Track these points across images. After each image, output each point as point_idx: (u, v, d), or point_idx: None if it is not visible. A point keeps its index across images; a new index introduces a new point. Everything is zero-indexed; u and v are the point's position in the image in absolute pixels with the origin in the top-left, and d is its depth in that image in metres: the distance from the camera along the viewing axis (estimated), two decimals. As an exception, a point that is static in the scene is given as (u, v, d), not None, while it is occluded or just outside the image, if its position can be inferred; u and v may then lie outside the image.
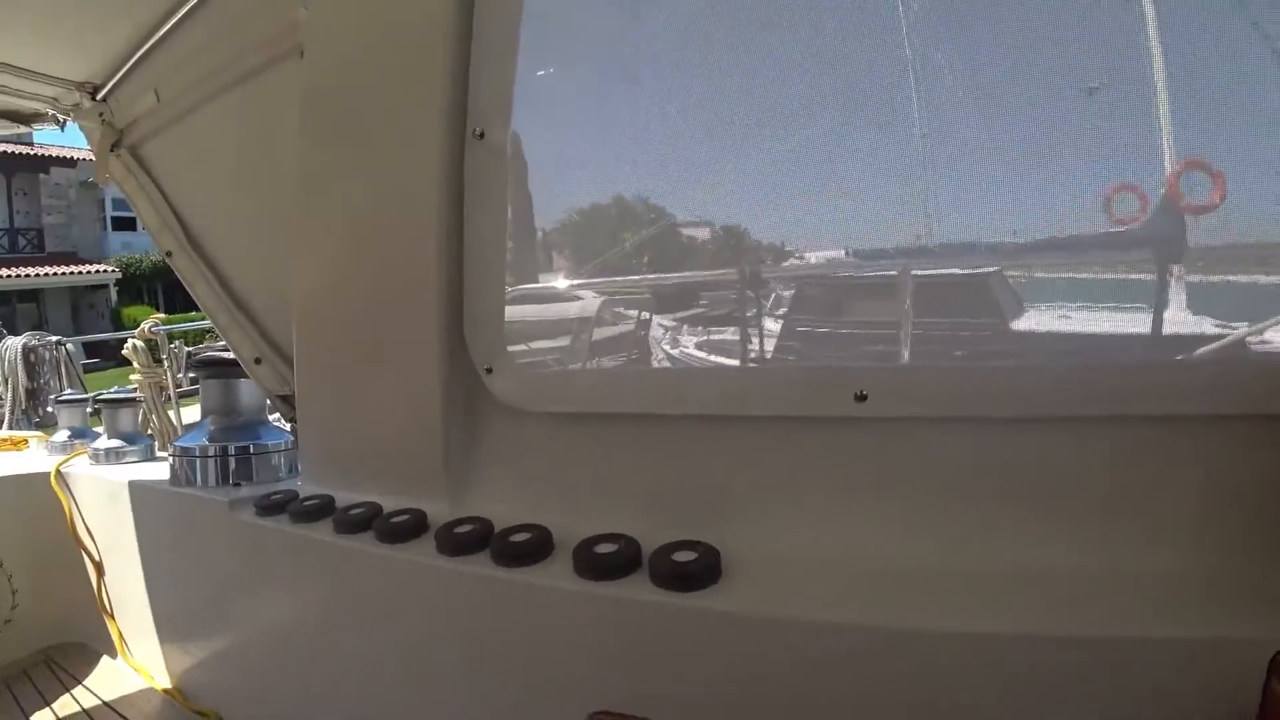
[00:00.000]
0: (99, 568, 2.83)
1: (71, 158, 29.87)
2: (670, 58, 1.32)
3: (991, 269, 1.11)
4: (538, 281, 1.61)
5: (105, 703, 2.59)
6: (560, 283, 1.58)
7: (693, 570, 1.20)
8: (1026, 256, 1.08)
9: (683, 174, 1.34)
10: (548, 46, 1.43)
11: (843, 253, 1.24)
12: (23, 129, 2.62)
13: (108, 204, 31.18)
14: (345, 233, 1.75)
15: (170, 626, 2.53)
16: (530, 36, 1.41)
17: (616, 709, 1.25)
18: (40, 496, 2.90)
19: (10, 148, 28.08)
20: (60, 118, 2.48)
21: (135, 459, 2.92)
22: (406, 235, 1.61)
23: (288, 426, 2.41)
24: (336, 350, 1.85)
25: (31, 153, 28.99)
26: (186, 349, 5.59)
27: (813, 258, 1.28)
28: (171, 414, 5.24)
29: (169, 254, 2.35)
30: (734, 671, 1.15)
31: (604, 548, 1.32)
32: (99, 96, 2.30)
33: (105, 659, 2.87)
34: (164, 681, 2.60)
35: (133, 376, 5.61)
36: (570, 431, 1.53)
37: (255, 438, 2.32)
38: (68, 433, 3.38)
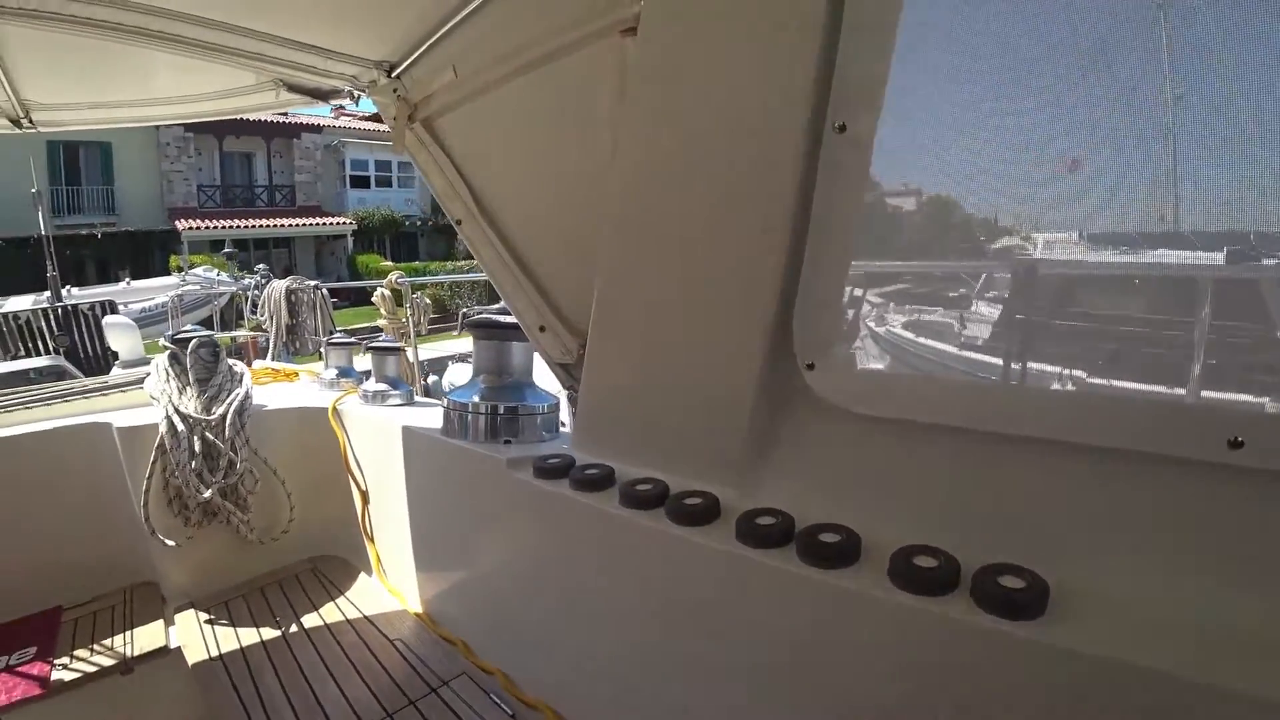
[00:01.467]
0: (364, 496, 3.14)
1: (318, 125, 33.88)
2: (1065, 63, 1.21)
3: None
4: (880, 284, 1.54)
5: (364, 615, 2.88)
6: (902, 285, 1.52)
7: (1022, 598, 1.12)
8: None
9: (1054, 182, 1.24)
10: (919, 43, 1.36)
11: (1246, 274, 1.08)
12: (319, 104, 2.89)
13: (347, 165, 34.54)
14: (669, 212, 1.74)
15: (428, 558, 2.77)
16: (907, 34, 1.34)
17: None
18: (318, 427, 3.26)
19: (269, 116, 31.90)
20: (355, 93, 2.70)
21: (398, 402, 3.21)
22: (745, 222, 1.58)
23: (554, 390, 2.54)
24: (641, 326, 1.85)
25: (286, 121, 33.07)
26: (426, 299, 6.11)
27: (1207, 275, 1.12)
28: (410, 354, 5.77)
29: (458, 221, 2.46)
30: (1054, 709, 1.07)
31: (923, 560, 1.25)
32: (394, 73, 2.46)
33: (363, 576, 3.19)
34: (415, 605, 2.86)
35: (379, 321, 6.19)
36: (889, 436, 1.45)
37: (522, 399, 2.46)
38: (335, 371, 3.76)
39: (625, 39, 1.72)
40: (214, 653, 2.69)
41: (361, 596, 3.02)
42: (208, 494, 2.90)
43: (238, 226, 30.01)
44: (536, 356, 2.50)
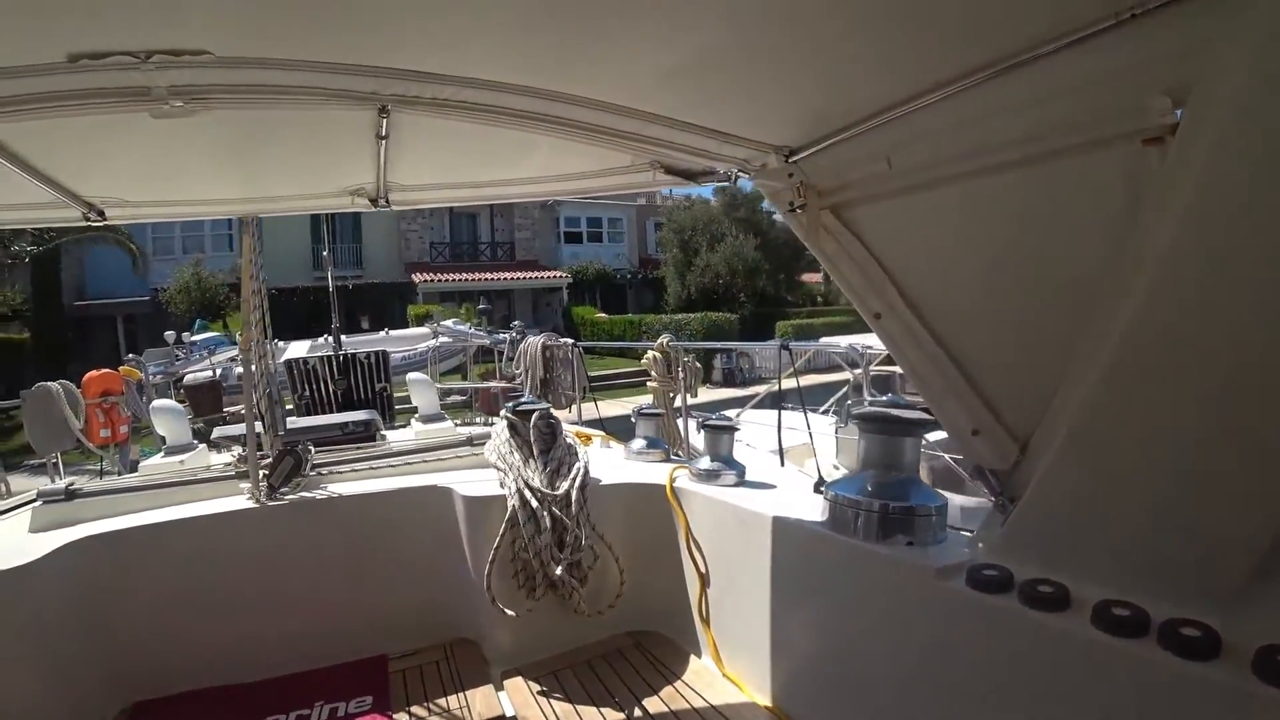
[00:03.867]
0: (703, 577, 3.04)
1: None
2: None
3: None
4: None
5: (708, 703, 2.73)
6: None
7: None
8: None
9: None
10: None
11: None
12: (686, 184, 2.86)
13: (561, 222, 36.55)
14: (1207, 328, 1.53)
15: (791, 652, 2.60)
16: None
17: None
18: (651, 502, 3.19)
19: None
20: (735, 175, 2.63)
21: (732, 481, 3.10)
22: None
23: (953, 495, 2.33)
24: (1138, 439, 1.65)
25: None
26: (697, 363, 6.09)
27: None
28: (680, 424, 5.74)
29: (876, 315, 2.28)
30: None
31: None
32: (793, 158, 2.34)
33: (693, 658, 3.05)
34: (762, 697, 2.69)
35: (649, 384, 6.24)
36: None
37: (915, 498, 2.28)
38: (644, 441, 3.73)
39: (1150, 147, 1.51)
40: None
41: (697, 680, 2.88)
42: (559, 571, 2.90)
43: (464, 280, 32.39)
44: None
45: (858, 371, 7.69)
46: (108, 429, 6.62)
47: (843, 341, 8.10)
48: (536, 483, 2.94)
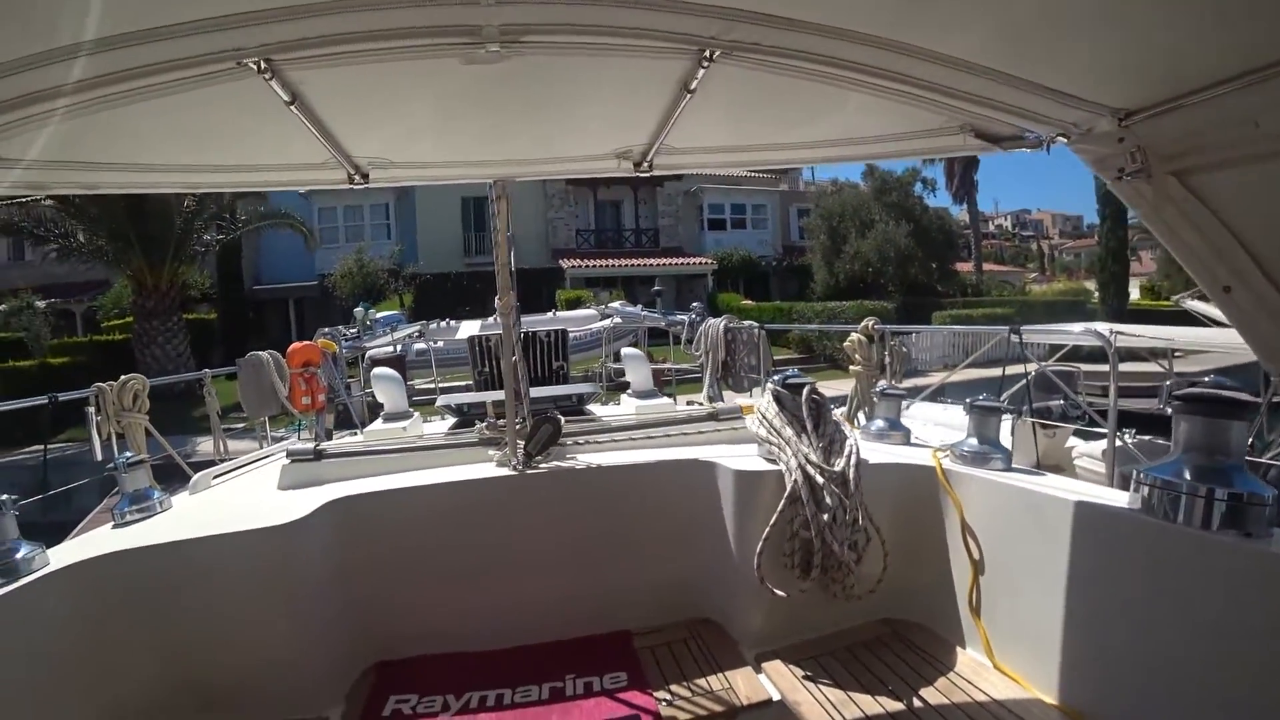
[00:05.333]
0: (975, 565, 2.85)
1: (679, 174, 35.90)
2: None
3: None
4: None
5: (991, 696, 2.55)
6: None
7: None
8: None
9: None
10: None
11: None
12: (989, 150, 2.64)
13: (705, 209, 36.36)
14: None
15: (1099, 653, 2.38)
16: None
17: None
18: (919, 484, 3.00)
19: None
20: (1045, 140, 2.41)
21: (1000, 466, 2.89)
22: None
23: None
24: None
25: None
26: (903, 347, 5.83)
27: None
28: (862, 413, 5.51)
29: (1226, 289, 2.07)
30: None
31: None
32: (1126, 120, 2.13)
33: (959, 650, 2.88)
34: (1048, 696, 2.49)
35: (852, 368, 6.05)
36: None
37: (1242, 485, 2.05)
38: (884, 423, 3.54)
39: None
40: (814, 711, 2.53)
41: (967, 673, 2.68)
42: (843, 551, 2.78)
43: (609, 266, 32.83)
44: None
45: (1042, 365, 7.23)
46: (308, 396, 7.00)
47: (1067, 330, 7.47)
48: (815, 458, 2.82)
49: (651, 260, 33.49)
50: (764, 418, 3.00)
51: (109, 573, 2.45)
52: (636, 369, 4.75)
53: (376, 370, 4.94)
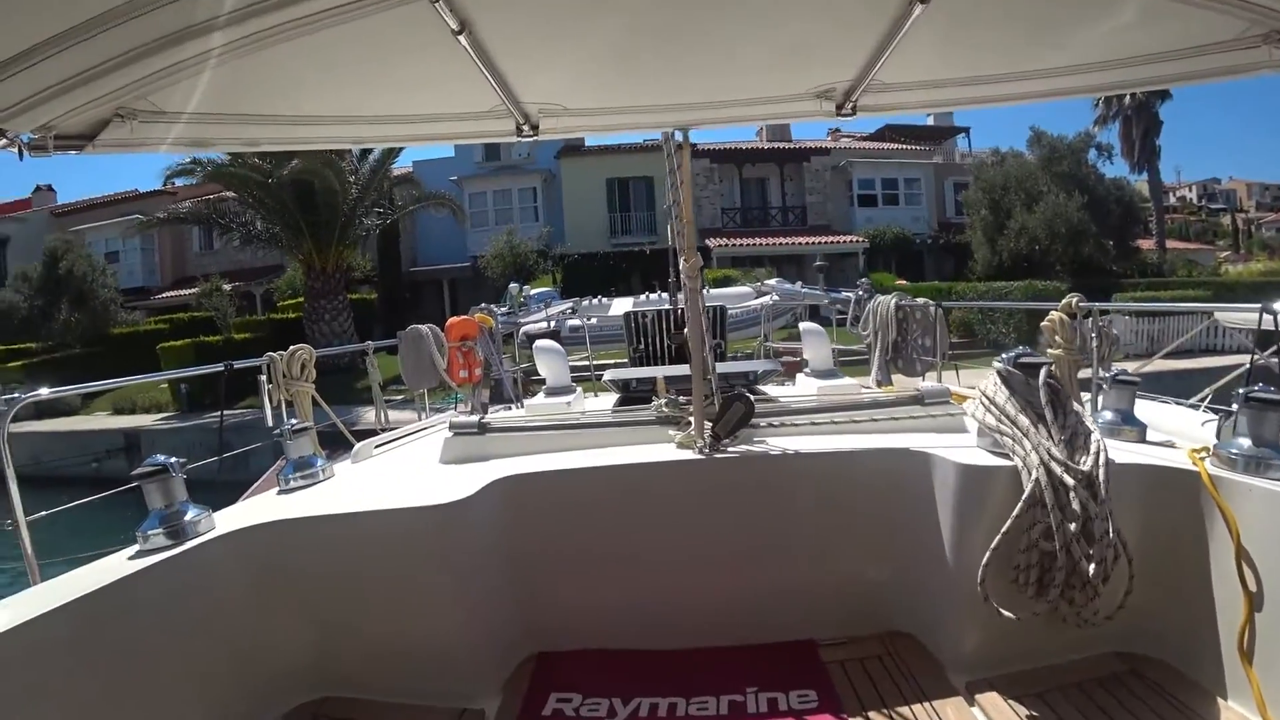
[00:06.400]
0: (1251, 599, 2.31)
1: (826, 148, 35.55)
2: None
3: None
4: None
5: None
6: None
7: None
8: None
9: None
10: None
11: None
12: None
13: (854, 184, 34.95)
14: None
15: None
16: None
17: None
18: (1173, 492, 2.53)
19: (779, 145, 35.34)
20: None
21: None
22: None
23: None
24: None
25: (793, 147, 35.81)
26: (1113, 329, 5.13)
27: None
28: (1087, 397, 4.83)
29: None
30: None
31: None
32: None
33: (1220, 701, 2.37)
34: None
35: (1050, 351, 5.40)
36: None
37: None
38: (1115, 415, 3.00)
39: None
40: None
41: None
42: (1092, 570, 2.32)
43: (755, 245, 32.23)
44: None
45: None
46: (465, 370, 7.01)
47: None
48: (1059, 454, 2.36)
49: (799, 239, 32.61)
50: (991, 403, 2.55)
51: (271, 541, 2.40)
52: (816, 346, 4.38)
53: (539, 343, 4.83)
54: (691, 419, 2.87)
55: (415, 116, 2.63)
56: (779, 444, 2.85)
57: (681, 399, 3.04)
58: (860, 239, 32.25)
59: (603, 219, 34.37)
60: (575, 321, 11.84)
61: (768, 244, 32.39)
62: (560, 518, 2.73)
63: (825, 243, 32.10)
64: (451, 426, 3.09)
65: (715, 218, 34.19)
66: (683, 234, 2.95)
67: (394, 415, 6.72)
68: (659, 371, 4.26)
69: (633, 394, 4.31)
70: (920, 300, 7.30)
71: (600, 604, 2.76)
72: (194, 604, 2.20)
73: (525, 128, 2.64)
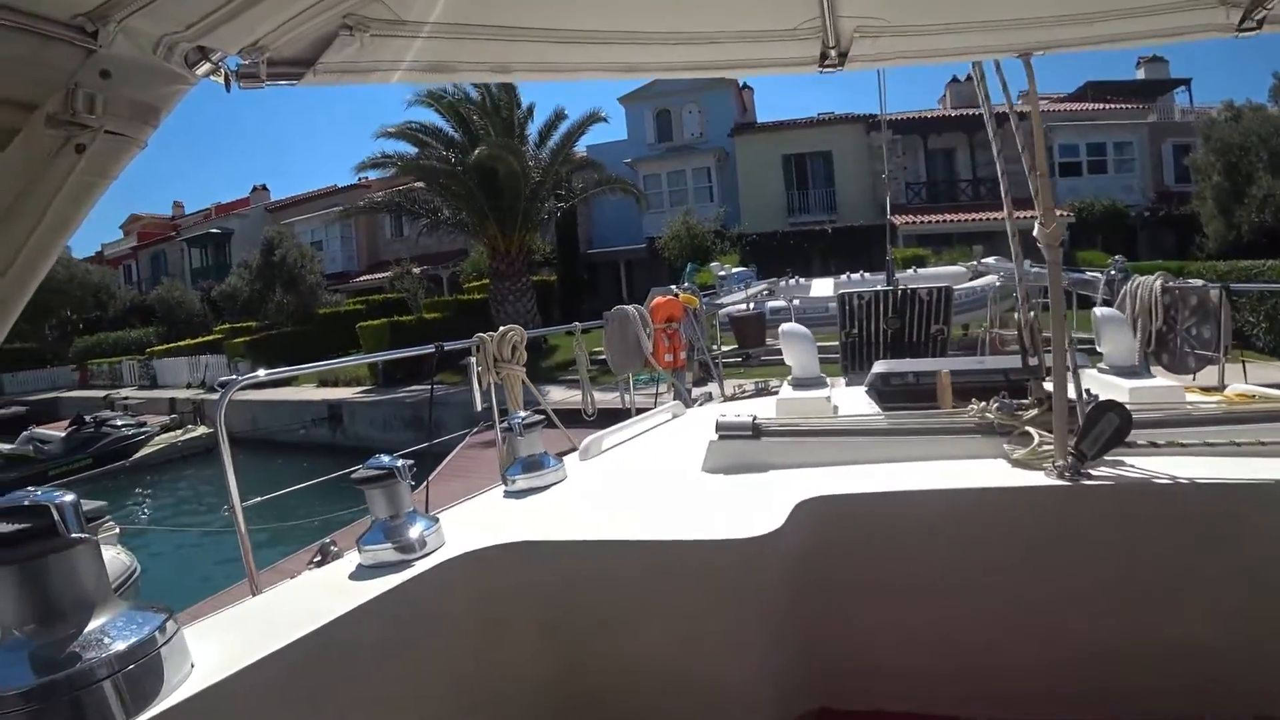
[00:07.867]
0: None
1: (1022, 112, 32.27)
2: None
3: None
4: None
5: None
6: None
7: None
8: None
9: None
10: None
11: None
12: None
13: (1055, 151, 31.88)
14: None
15: None
16: None
17: None
18: None
19: (966, 111, 32.33)
20: None
21: None
22: None
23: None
24: None
25: (976, 114, 32.57)
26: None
27: None
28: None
29: None
30: None
31: None
32: None
33: None
34: None
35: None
36: None
37: None
38: None
39: None
40: None
41: None
42: None
43: (944, 221, 30.40)
44: None
45: None
46: (670, 353, 6.65)
47: None
48: None
49: (994, 214, 30.12)
50: None
51: (514, 560, 2.03)
52: (1116, 336, 3.62)
53: (785, 326, 4.35)
54: (1030, 430, 2.24)
55: (698, 35, 2.10)
56: (1158, 467, 2.14)
57: (1023, 403, 2.40)
58: (1065, 212, 29.34)
59: (779, 197, 33.66)
60: (776, 303, 11.25)
61: (959, 220, 30.37)
62: (873, 549, 2.20)
63: (1023, 218, 29.44)
64: (719, 428, 2.65)
65: (899, 193, 32.42)
66: (1039, 192, 2.31)
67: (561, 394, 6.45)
68: (942, 364, 3.57)
69: (901, 389, 3.56)
70: (1195, 282, 6.18)
71: (910, 657, 2.19)
72: (422, 626, 1.88)
73: (832, 54, 2.09)
